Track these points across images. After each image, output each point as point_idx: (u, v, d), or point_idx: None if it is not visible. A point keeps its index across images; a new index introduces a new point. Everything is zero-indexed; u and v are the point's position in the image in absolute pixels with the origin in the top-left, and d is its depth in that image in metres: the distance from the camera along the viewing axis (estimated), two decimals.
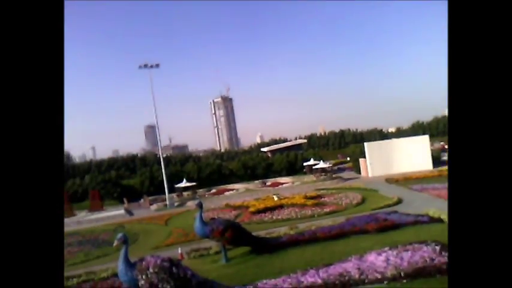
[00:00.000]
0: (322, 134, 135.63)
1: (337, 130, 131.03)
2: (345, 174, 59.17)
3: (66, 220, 45.48)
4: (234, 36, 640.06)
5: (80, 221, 45.26)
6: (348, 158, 75.35)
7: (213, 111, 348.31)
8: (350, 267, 13.51)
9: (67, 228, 41.17)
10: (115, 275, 18.74)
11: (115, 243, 13.00)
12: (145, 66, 52.03)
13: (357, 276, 12.80)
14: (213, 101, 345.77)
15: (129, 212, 48.06)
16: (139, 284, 12.03)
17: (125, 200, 54.39)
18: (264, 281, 13.37)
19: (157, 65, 52.63)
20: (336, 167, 68.13)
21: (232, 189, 57.45)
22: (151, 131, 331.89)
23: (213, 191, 58.56)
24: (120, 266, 12.55)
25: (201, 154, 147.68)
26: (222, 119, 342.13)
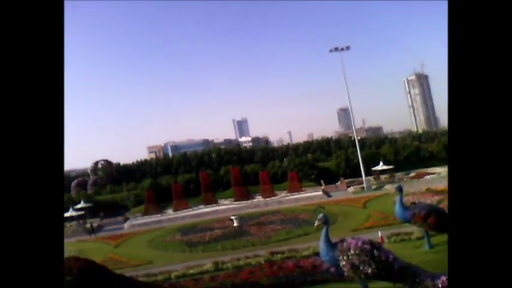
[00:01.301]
0: None
1: None
2: None
3: (267, 200, 48.77)
4: (424, 10, 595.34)
5: (280, 200, 47.97)
6: None
7: (408, 90, 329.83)
8: None
9: (269, 207, 44.13)
10: (316, 253, 19.18)
11: (316, 223, 13.20)
12: (336, 49, 51.97)
13: None
14: (407, 79, 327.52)
15: (326, 194, 49.03)
16: (340, 264, 12.03)
17: (322, 182, 55.71)
18: None
19: (347, 48, 52.08)
20: None
21: (433, 173, 53.70)
22: (344, 114, 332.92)
23: (412, 174, 55.67)
24: (321, 246, 12.70)
25: (396, 136, 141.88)
26: (418, 97, 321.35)
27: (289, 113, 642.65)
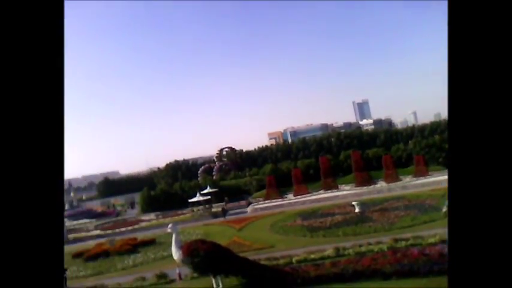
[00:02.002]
0: None
1: None
2: None
3: (391, 185, 46.88)
4: None
5: (405, 185, 45.82)
6: None
7: None
8: None
9: (393, 193, 42.40)
10: (443, 241, 18.04)
11: (444, 209, 12.44)
12: None
13: None
14: None
15: None
16: None
17: None
18: None
19: None
20: None
21: None
22: None
23: None
24: None
25: None
26: None
27: (414, 92, 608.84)
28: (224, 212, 45.31)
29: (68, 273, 25.29)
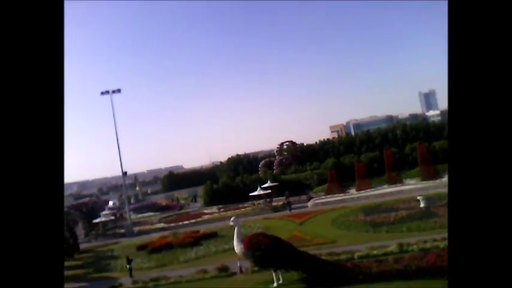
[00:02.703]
0: None
1: None
2: None
3: None
4: None
5: None
6: None
7: None
8: None
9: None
10: None
11: None
12: None
13: None
14: None
15: None
16: None
17: None
18: None
19: None
20: None
21: None
22: None
23: None
24: None
25: None
26: None
27: None
28: (289, 205, 45.33)
29: (133, 264, 26.30)
